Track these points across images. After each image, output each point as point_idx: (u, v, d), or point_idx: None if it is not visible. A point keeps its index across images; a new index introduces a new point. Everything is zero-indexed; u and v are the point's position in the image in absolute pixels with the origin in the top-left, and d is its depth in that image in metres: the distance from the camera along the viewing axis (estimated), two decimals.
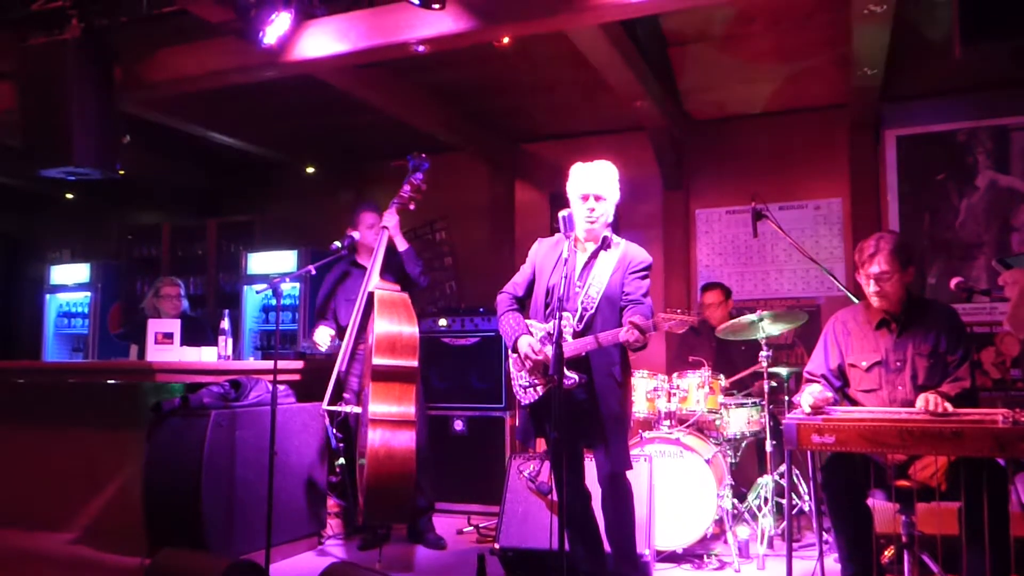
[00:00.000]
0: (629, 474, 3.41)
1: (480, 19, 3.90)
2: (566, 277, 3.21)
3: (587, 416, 3.31)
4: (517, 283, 3.61)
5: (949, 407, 2.85)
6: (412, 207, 4.52)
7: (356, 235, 4.55)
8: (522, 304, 3.59)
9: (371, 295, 4.24)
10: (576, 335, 3.30)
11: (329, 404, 4.24)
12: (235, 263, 7.30)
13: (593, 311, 3.31)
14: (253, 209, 7.81)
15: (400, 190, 4.48)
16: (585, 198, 3.38)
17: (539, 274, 3.51)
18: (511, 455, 4.56)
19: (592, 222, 3.38)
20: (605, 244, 3.43)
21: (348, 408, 4.21)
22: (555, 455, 3.34)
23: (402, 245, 4.51)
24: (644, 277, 3.41)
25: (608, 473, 3.33)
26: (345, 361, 4.34)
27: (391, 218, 4.46)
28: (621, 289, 3.36)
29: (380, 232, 4.47)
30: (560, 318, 3.08)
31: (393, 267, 4.50)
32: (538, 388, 3.37)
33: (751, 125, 6.19)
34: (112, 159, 4.36)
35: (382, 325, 4.08)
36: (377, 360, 4.02)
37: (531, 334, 3.40)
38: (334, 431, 4.24)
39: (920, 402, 2.94)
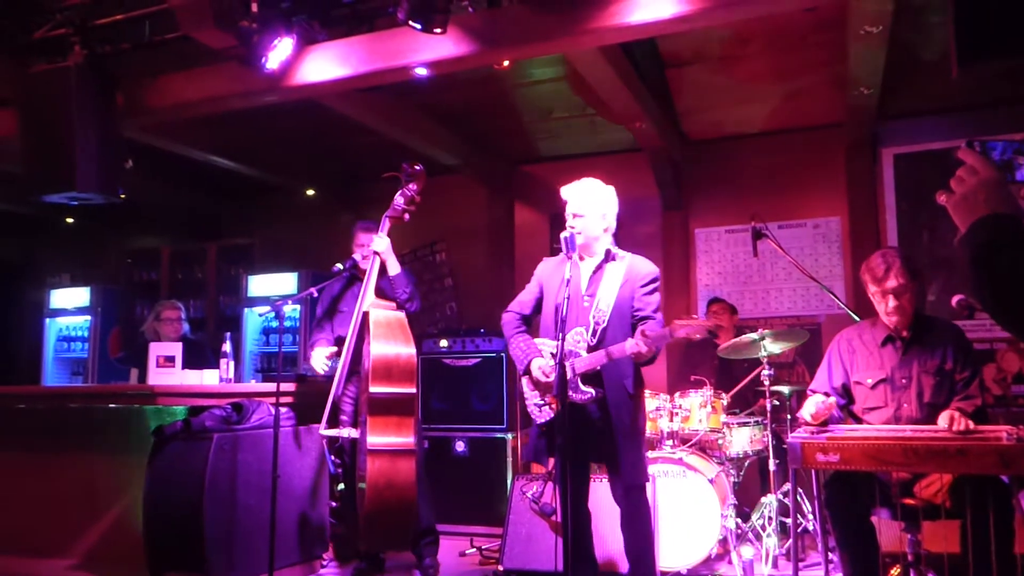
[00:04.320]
0: None
1: (480, 43, 3.94)
2: (569, 296, 3.22)
3: (600, 431, 3.35)
4: (523, 301, 3.64)
5: (971, 424, 2.85)
6: (407, 218, 4.34)
7: (358, 257, 4.50)
8: (528, 322, 3.64)
9: (365, 315, 4.09)
10: (591, 349, 3.35)
11: (326, 428, 4.13)
12: (235, 286, 7.30)
13: (605, 324, 3.36)
14: (253, 232, 7.82)
15: (393, 202, 4.31)
16: (567, 218, 3.49)
17: (547, 293, 3.57)
18: (514, 476, 4.55)
19: (576, 237, 3.43)
20: (608, 257, 3.49)
21: (345, 432, 4.12)
22: (561, 473, 3.35)
23: (394, 269, 4.32)
24: (653, 291, 3.46)
25: (623, 488, 3.37)
26: (341, 384, 4.21)
27: (381, 242, 4.27)
28: (631, 304, 3.41)
29: (371, 256, 4.29)
30: (563, 338, 3.09)
31: (389, 284, 4.37)
32: (553, 406, 3.39)
33: (749, 145, 6.23)
34: (114, 184, 4.38)
35: (378, 348, 3.92)
36: (374, 388, 3.87)
37: (542, 355, 3.44)
38: (332, 456, 4.19)
39: (943, 420, 2.92)
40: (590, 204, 3.49)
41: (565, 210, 3.52)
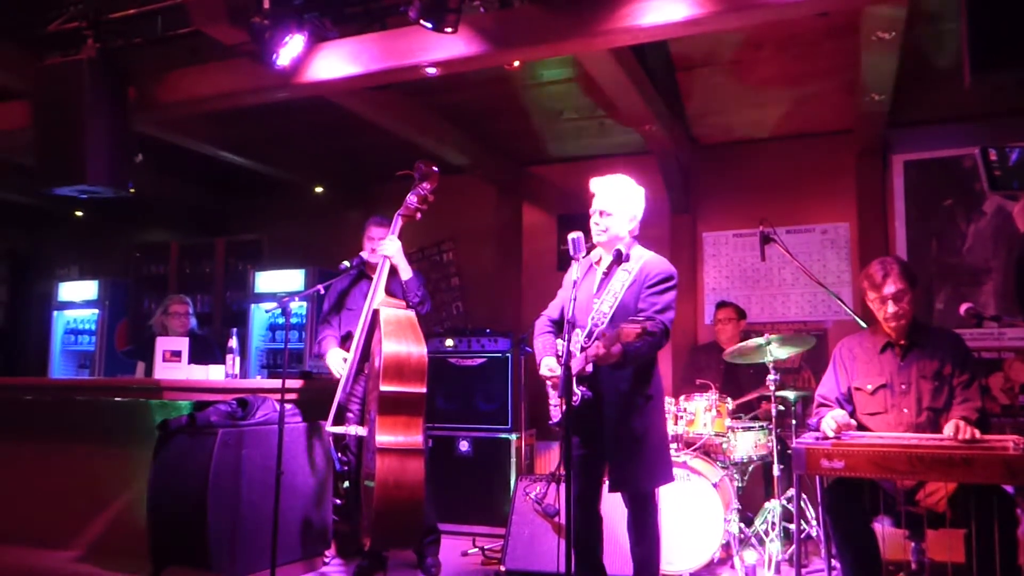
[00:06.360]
0: None
1: (491, 43, 3.94)
2: (574, 298, 3.19)
3: (600, 433, 3.28)
4: (553, 305, 3.62)
5: (978, 433, 2.84)
6: (419, 217, 4.34)
7: (366, 255, 4.49)
8: (559, 326, 3.55)
9: (376, 313, 4.08)
10: (584, 351, 3.26)
11: (333, 425, 4.14)
12: (243, 281, 7.33)
13: (603, 326, 3.24)
14: (261, 228, 7.84)
15: (406, 200, 4.30)
16: (592, 213, 3.44)
17: (569, 295, 3.49)
18: (518, 477, 4.55)
19: (599, 235, 3.43)
20: (619, 258, 3.39)
21: (353, 429, 4.11)
22: (566, 475, 3.32)
23: (406, 273, 4.30)
24: (663, 291, 3.29)
25: (622, 492, 3.31)
26: (349, 381, 4.22)
27: (392, 245, 4.26)
28: (636, 305, 3.29)
29: (382, 259, 4.27)
30: (568, 340, 3.07)
31: (399, 285, 4.35)
32: (561, 407, 3.28)
33: (758, 149, 6.22)
34: (124, 178, 4.40)
35: (390, 346, 3.91)
36: (385, 387, 3.86)
37: (558, 355, 3.39)
38: (338, 454, 4.19)
39: (949, 429, 2.92)
40: (619, 203, 3.41)
41: (591, 204, 3.44)
